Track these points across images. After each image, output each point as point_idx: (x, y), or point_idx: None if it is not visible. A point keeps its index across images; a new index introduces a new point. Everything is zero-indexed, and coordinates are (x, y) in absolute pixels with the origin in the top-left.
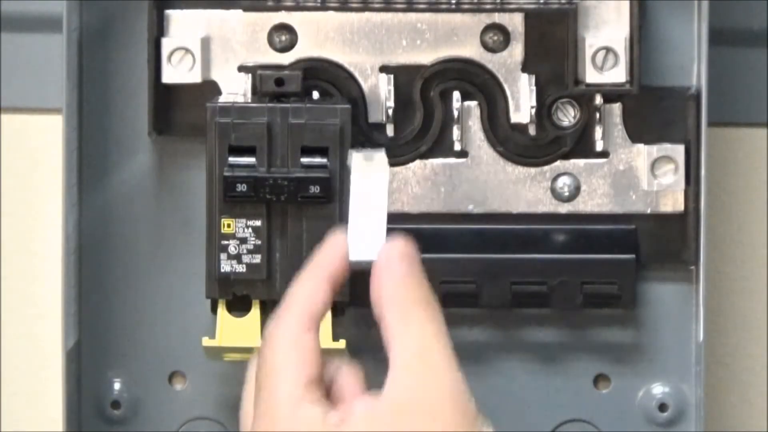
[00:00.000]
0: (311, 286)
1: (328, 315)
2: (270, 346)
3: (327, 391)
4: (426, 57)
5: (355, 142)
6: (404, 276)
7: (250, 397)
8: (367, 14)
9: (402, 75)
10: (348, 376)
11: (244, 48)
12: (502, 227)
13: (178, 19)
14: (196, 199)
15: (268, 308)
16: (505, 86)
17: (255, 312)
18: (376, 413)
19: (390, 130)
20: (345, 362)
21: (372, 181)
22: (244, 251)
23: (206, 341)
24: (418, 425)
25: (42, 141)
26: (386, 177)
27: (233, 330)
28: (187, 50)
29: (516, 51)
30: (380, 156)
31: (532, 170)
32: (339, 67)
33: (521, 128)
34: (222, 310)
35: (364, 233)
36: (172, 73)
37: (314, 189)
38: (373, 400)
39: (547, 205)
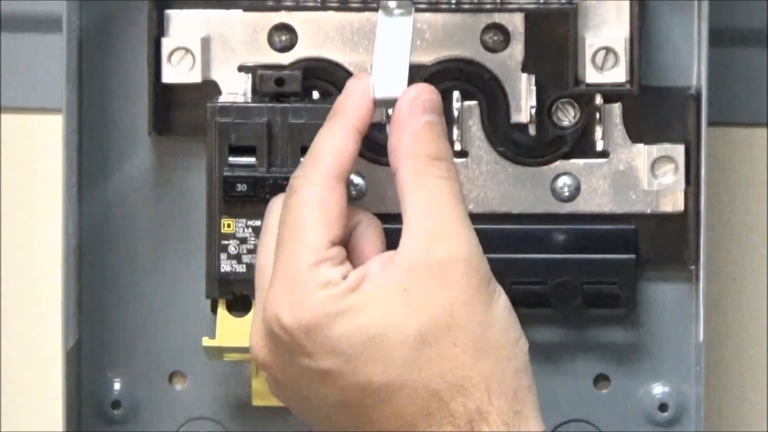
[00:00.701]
0: (338, 137)
1: None
2: (295, 203)
3: (345, 244)
4: (426, 57)
5: None
6: (424, 129)
7: (267, 251)
8: (367, 14)
9: None
10: (367, 232)
11: (244, 48)
12: (502, 227)
13: (178, 19)
14: (196, 199)
15: None
16: (505, 86)
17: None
18: (391, 275)
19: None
20: (364, 216)
21: (397, 22)
22: (244, 251)
23: (206, 341)
24: (432, 286)
25: (42, 141)
26: (411, 20)
27: (233, 330)
28: (187, 50)
29: (516, 51)
30: (406, 2)
31: (532, 170)
32: (339, 67)
33: (521, 128)
34: (222, 310)
35: (387, 72)
36: (172, 73)
37: None
38: (388, 261)
39: (547, 205)
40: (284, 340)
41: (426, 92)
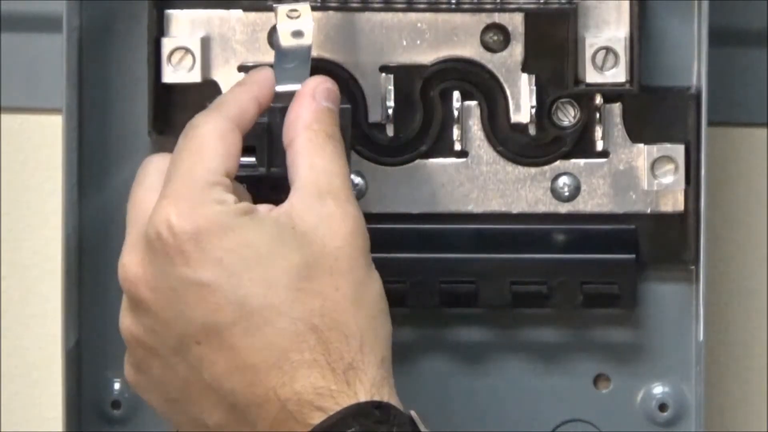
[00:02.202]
0: (242, 96)
1: None
2: (197, 133)
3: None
4: (426, 57)
5: (355, 143)
6: (325, 109)
7: (145, 189)
8: (367, 14)
9: (402, 75)
10: (248, 199)
11: (244, 48)
12: (502, 227)
13: (178, 19)
14: None
15: None
16: (505, 86)
17: None
18: (281, 214)
19: (390, 130)
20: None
21: (298, 22)
22: None
23: None
24: (319, 232)
25: (42, 141)
26: (310, 17)
27: None
28: (187, 50)
29: (516, 51)
30: (305, 5)
31: (532, 170)
32: (339, 67)
33: (521, 128)
34: None
35: (289, 66)
36: (172, 73)
37: None
38: (276, 207)
39: (547, 205)
40: (168, 246)
41: (329, 82)
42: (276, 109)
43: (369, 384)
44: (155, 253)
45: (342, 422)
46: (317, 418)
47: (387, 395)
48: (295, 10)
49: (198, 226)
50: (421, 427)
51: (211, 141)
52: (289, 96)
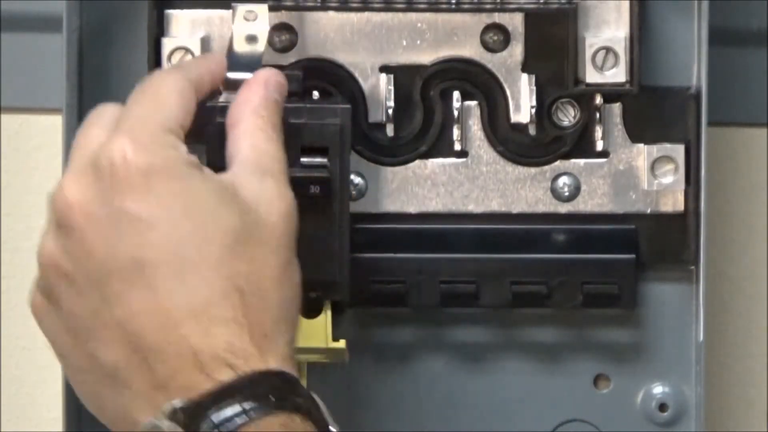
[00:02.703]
0: (201, 65)
1: (328, 314)
2: (155, 83)
3: None
4: (426, 57)
5: (355, 143)
6: (274, 101)
7: (101, 125)
8: (367, 14)
9: (402, 75)
10: None
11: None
12: (502, 227)
13: (178, 19)
14: None
15: None
16: (505, 86)
17: None
18: (223, 178)
19: (390, 130)
20: None
21: (254, 25)
22: None
23: None
24: (256, 205)
25: (42, 141)
26: (267, 21)
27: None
28: (187, 50)
29: (516, 51)
30: (262, 7)
31: (532, 170)
32: (339, 67)
33: (521, 128)
34: None
35: (243, 56)
36: None
37: (314, 189)
38: (223, 173)
39: (547, 205)
40: (117, 176)
41: (280, 76)
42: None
43: (280, 357)
44: (102, 181)
45: (254, 383)
46: (225, 375)
47: (293, 374)
48: (252, 12)
49: (151, 164)
50: (324, 409)
51: (171, 93)
52: (237, 85)
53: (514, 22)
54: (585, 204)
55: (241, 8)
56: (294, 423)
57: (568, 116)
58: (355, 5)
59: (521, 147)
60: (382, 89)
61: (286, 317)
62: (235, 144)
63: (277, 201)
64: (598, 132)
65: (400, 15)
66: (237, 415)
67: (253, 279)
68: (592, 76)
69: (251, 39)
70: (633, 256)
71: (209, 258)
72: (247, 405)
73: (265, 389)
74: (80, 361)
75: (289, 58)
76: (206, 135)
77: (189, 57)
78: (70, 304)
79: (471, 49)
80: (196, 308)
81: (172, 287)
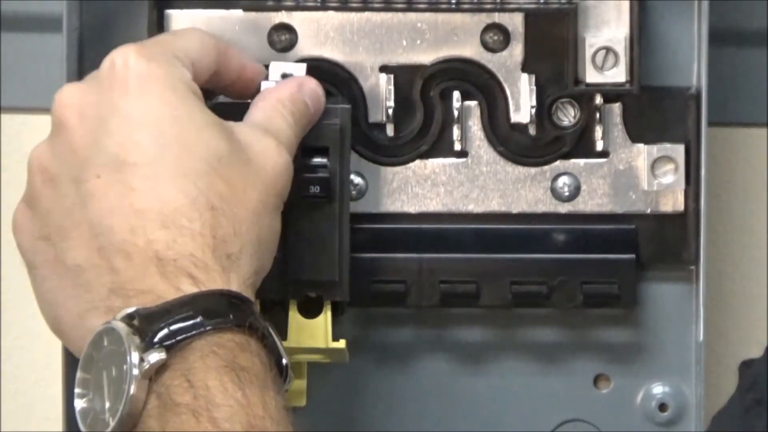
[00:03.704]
0: (235, 50)
1: (328, 314)
2: (183, 28)
3: None
4: (426, 57)
5: (355, 143)
6: (304, 102)
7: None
8: (367, 14)
9: (402, 75)
10: None
11: (244, 48)
12: (502, 227)
13: (178, 19)
14: None
15: (267, 307)
16: (505, 86)
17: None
18: (226, 121)
19: (390, 130)
20: None
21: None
22: None
23: None
24: (243, 153)
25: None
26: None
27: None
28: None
29: (516, 51)
30: (301, 67)
31: (532, 170)
32: (339, 67)
33: (521, 128)
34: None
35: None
36: None
37: (314, 189)
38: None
39: (547, 205)
40: (116, 76)
41: (320, 89)
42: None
43: (242, 282)
44: (101, 82)
45: (213, 298)
46: (187, 285)
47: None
48: (289, 76)
49: (150, 71)
50: (279, 343)
51: (192, 34)
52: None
53: (514, 22)
54: (585, 204)
55: (276, 66)
56: (248, 344)
57: (568, 116)
58: (355, 5)
59: (521, 147)
60: (382, 89)
61: (256, 251)
62: (249, 113)
63: (274, 154)
64: (598, 132)
65: (400, 15)
66: (193, 326)
67: (228, 201)
68: (592, 76)
69: None
70: (633, 256)
71: (188, 169)
72: (204, 318)
73: (224, 306)
74: (47, 268)
75: (289, 58)
76: None
77: None
78: (48, 203)
79: (471, 49)
80: (166, 215)
81: (147, 190)
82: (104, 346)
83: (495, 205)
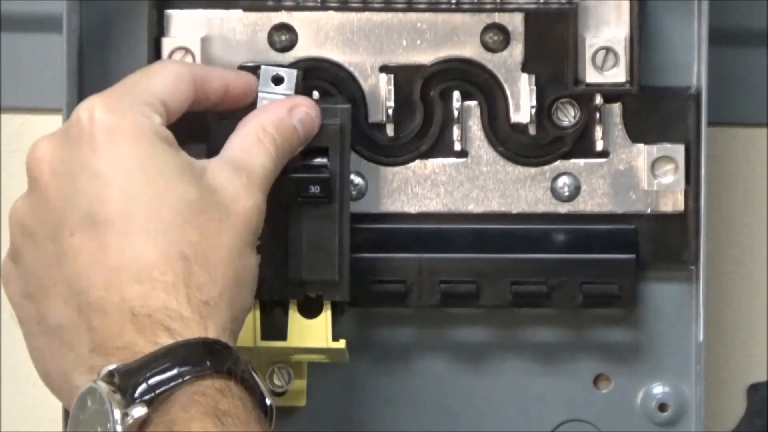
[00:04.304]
0: (214, 70)
1: (328, 314)
2: (154, 64)
3: None
4: (426, 57)
5: (355, 143)
6: (292, 127)
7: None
8: (367, 14)
9: (402, 75)
10: None
11: (244, 48)
12: (502, 227)
13: (178, 19)
14: None
15: (267, 308)
16: (505, 86)
17: (255, 311)
18: (197, 162)
19: (390, 130)
20: None
21: (281, 89)
22: None
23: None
24: (214, 196)
25: None
26: (293, 88)
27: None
28: (187, 50)
29: (516, 51)
30: (291, 72)
31: (532, 170)
32: (339, 67)
33: (521, 128)
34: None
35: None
36: None
37: (314, 189)
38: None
39: (547, 205)
40: (83, 132)
41: (313, 111)
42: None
43: (218, 326)
44: (70, 137)
45: (190, 348)
46: (164, 338)
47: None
48: (281, 78)
49: (117, 124)
50: (261, 385)
51: (164, 72)
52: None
53: (514, 22)
54: (585, 204)
55: (266, 71)
56: (229, 388)
57: (568, 116)
58: (355, 5)
59: (521, 147)
60: (382, 89)
61: (233, 296)
62: (228, 142)
63: (245, 196)
64: (598, 132)
65: (400, 15)
66: (171, 378)
67: (201, 249)
68: (592, 76)
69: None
70: (633, 256)
71: (158, 221)
72: (182, 368)
73: (202, 354)
74: (33, 325)
75: (289, 58)
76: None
77: (189, 57)
78: (29, 260)
79: (471, 49)
80: (139, 270)
81: (120, 246)
82: (88, 406)
83: (495, 205)
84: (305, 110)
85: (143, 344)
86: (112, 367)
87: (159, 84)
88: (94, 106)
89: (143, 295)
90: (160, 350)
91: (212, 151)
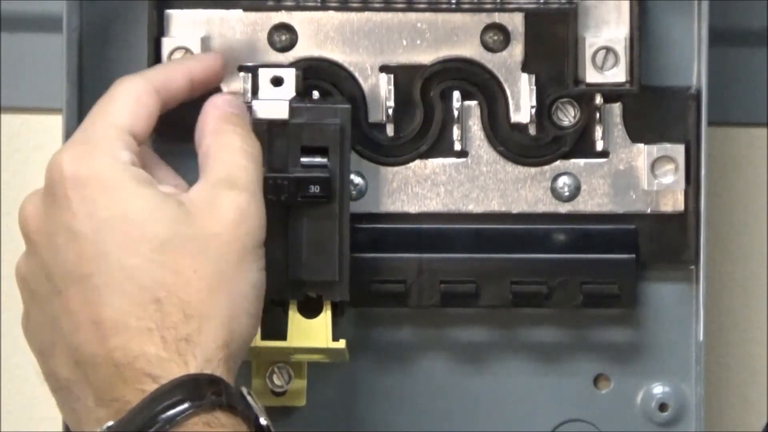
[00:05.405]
0: (173, 66)
1: (328, 314)
2: (112, 89)
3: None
4: (426, 57)
5: (355, 143)
6: (231, 113)
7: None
8: (367, 14)
9: (402, 75)
10: (161, 166)
11: (244, 48)
12: (502, 227)
13: (178, 19)
14: None
15: (267, 308)
16: (505, 86)
17: None
18: (173, 193)
19: (390, 130)
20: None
21: (280, 91)
22: None
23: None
24: (192, 226)
25: (42, 141)
26: (293, 87)
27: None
28: (187, 50)
29: (516, 51)
30: (290, 72)
31: (532, 170)
32: (339, 67)
33: (521, 128)
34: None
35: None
36: None
37: (314, 189)
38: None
39: (547, 205)
40: (57, 190)
41: (229, 95)
42: None
43: (202, 359)
44: (48, 195)
45: (172, 391)
46: (148, 384)
47: (221, 375)
48: (280, 80)
49: (81, 175)
50: (253, 402)
51: (122, 98)
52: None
53: (514, 22)
54: (585, 204)
55: (265, 72)
56: (218, 420)
57: (568, 116)
58: (355, 5)
59: (521, 147)
60: (382, 89)
61: (220, 324)
62: (203, 162)
63: (226, 210)
64: (598, 132)
65: (400, 15)
66: (158, 429)
67: (175, 290)
68: (592, 76)
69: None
70: (633, 256)
71: (129, 268)
72: (165, 414)
73: (181, 395)
74: (49, 381)
75: (289, 57)
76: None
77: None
78: (37, 321)
79: (471, 49)
80: (118, 320)
81: (101, 299)
82: None
83: (495, 205)
84: (224, 97)
85: (131, 394)
86: (107, 426)
87: (120, 113)
88: (62, 163)
89: (123, 345)
90: (143, 401)
91: None
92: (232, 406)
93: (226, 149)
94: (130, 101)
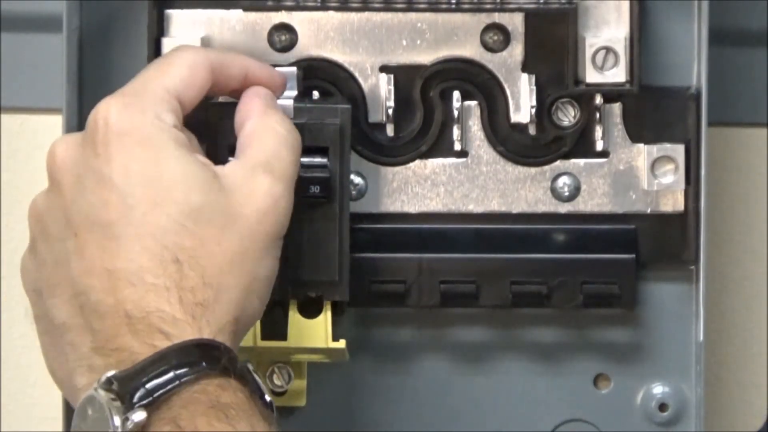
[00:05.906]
0: (236, 55)
1: (328, 314)
2: (172, 54)
3: None
4: (426, 57)
5: (355, 143)
6: (277, 106)
7: None
8: (367, 14)
9: (402, 75)
10: (194, 143)
11: (244, 48)
12: (502, 227)
13: (178, 19)
14: None
15: (267, 308)
16: (505, 86)
17: None
18: (210, 164)
19: (390, 130)
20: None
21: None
22: None
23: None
24: (223, 200)
25: (42, 141)
26: (295, 88)
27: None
28: None
29: (516, 51)
30: (292, 71)
31: (532, 170)
32: (339, 67)
33: (521, 128)
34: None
35: None
36: None
37: (314, 189)
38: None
39: (547, 205)
40: (97, 136)
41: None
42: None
43: (215, 327)
44: (86, 140)
45: (185, 350)
46: (160, 340)
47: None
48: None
49: (129, 129)
50: (260, 382)
51: (179, 63)
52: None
53: (514, 22)
54: (585, 204)
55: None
56: (230, 384)
57: (568, 116)
58: (355, 5)
59: (521, 147)
60: (382, 89)
61: (235, 299)
62: (247, 137)
63: (260, 196)
64: (598, 132)
65: (400, 15)
66: (168, 381)
67: (196, 256)
68: (592, 76)
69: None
70: (633, 256)
71: (155, 226)
72: (178, 371)
73: (196, 356)
74: (41, 323)
75: (289, 58)
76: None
77: None
78: (43, 254)
79: (471, 49)
80: (133, 273)
81: (116, 249)
82: (89, 415)
83: (495, 205)
84: (264, 91)
85: (139, 347)
86: (110, 374)
87: (174, 77)
88: (109, 111)
89: (138, 298)
90: (155, 354)
91: (208, 136)
92: (243, 376)
93: (271, 134)
94: (186, 69)
